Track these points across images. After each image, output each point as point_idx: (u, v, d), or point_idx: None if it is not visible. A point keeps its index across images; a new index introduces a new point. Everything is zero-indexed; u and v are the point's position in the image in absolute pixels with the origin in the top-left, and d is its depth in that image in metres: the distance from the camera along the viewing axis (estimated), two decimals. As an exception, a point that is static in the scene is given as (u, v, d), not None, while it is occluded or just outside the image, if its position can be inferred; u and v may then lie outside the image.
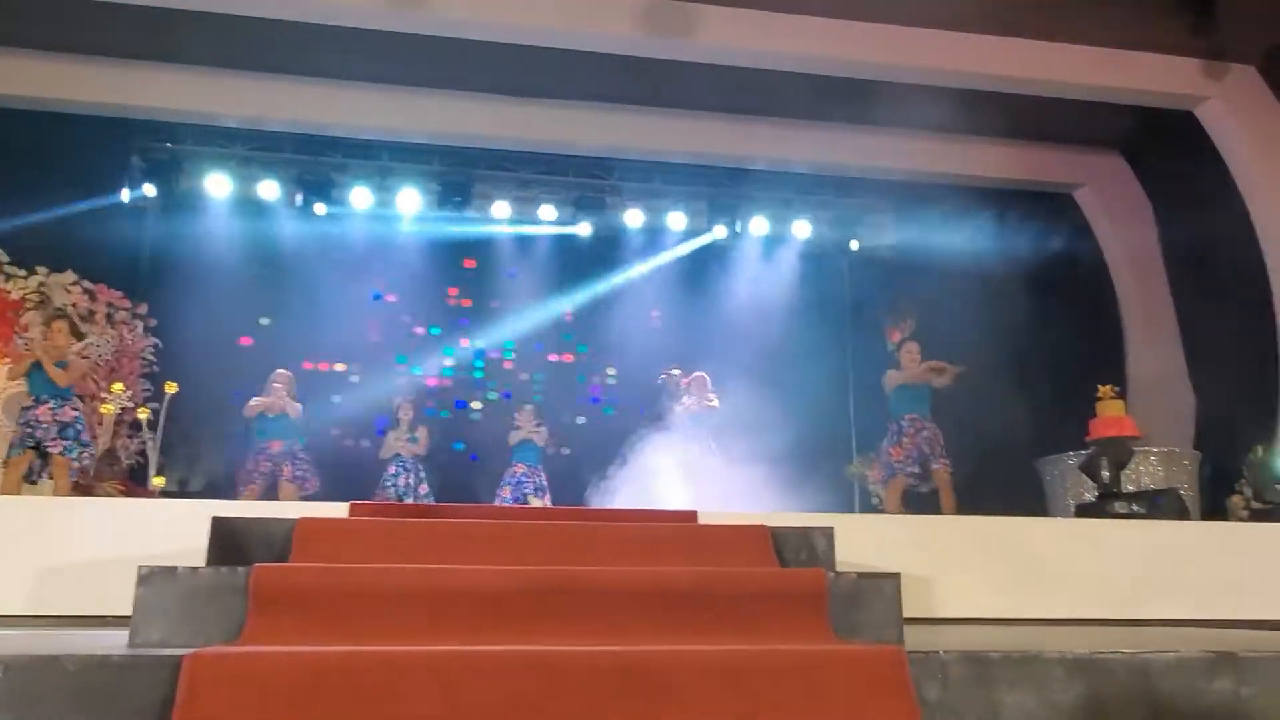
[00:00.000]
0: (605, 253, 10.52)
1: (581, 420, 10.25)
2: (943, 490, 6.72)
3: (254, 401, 7.40)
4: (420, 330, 10.27)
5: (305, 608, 2.74)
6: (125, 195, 9.30)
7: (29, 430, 5.85)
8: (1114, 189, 9.85)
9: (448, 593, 2.84)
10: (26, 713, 2.06)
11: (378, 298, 10.12)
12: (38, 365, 6.02)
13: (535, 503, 7.89)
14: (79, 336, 6.67)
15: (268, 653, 2.32)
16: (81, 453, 5.97)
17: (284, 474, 7.10)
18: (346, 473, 8.49)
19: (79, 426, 5.99)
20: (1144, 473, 7.79)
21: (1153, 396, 9.12)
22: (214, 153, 9.48)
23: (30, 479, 6.01)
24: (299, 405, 7.48)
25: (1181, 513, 5.64)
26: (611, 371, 10.48)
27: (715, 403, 7.89)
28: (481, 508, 5.75)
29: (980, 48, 7.78)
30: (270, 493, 7.10)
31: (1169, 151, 8.90)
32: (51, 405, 5.92)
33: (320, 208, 9.66)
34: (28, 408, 5.93)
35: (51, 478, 5.96)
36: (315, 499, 7.09)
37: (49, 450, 5.84)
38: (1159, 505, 5.61)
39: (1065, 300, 9.54)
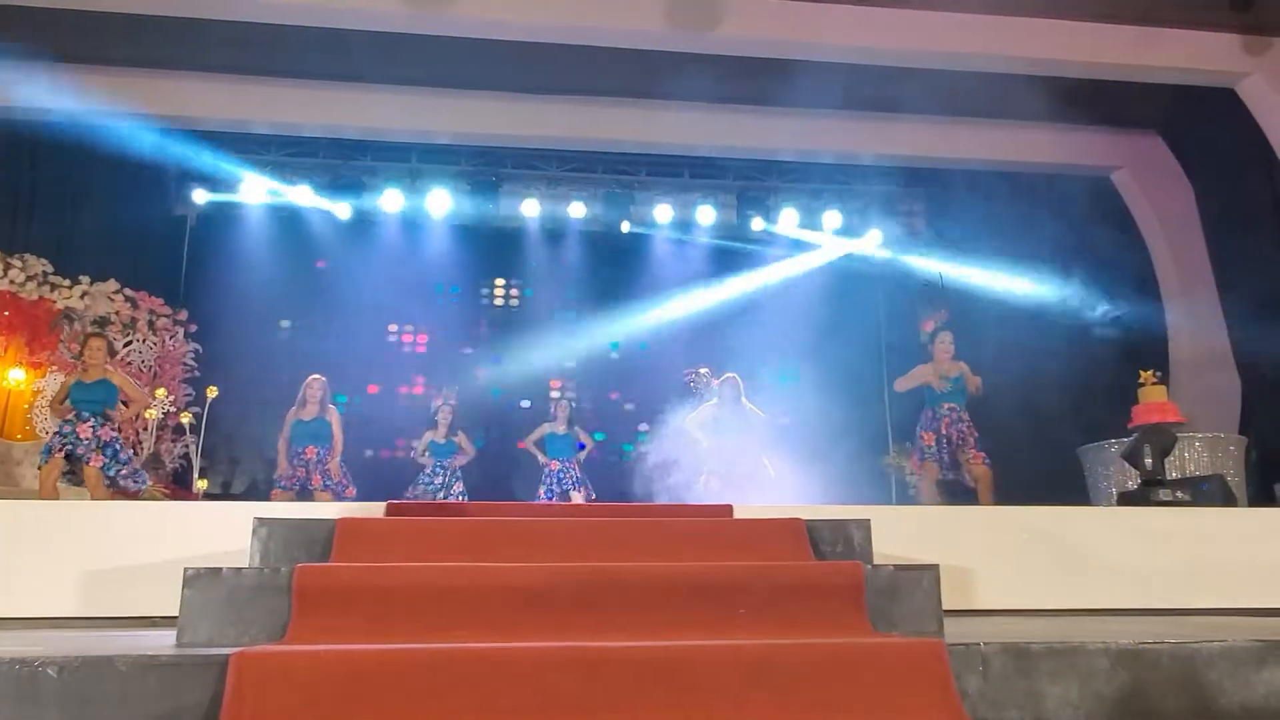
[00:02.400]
0: (635, 248, 10.53)
1: (614, 418, 10.28)
2: (982, 486, 6.64)
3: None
4: (456, 330, 10.36)
5: (347, 606, 2.78)
6: (164, 204, 9.47)
7: (65, 442, 5.97)
8: (1152, 170, 9.66)
9: (487, 590, 2.87)
10: (80, 712, 2.11)
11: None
12: (78, 385, 6.16)
13: (576, 496, 7.89)
14: (113, 353, 6.78)
15: (312, 651, 2.36)
16: (119, 470, 6.10)
17: (314, 482, 7.12)
18: (380, 471, 8.60)
19: (117, 445, 6.13)
20: (1188, 459, 7.64)
21: (1197, 381, 8.95)
22: (248, 159, 9.63)
23: (66, 479, 6.15)
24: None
25: (1227, 499, 5.53)
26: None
27: (751, 407, 7.72)
28: (517, 505, 5.80)
29: (1011, 29, 7.66)
30: (304, 498, 7.13)
31: (1209, 130, 8.71)
32: (93, 424, 6.05)
33: (351, 210, 9.78)
34: (68, 421, 6.05)
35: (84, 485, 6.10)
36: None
37: (87, 464, 5.97)
38: (1204, 492, 5.51)
39: (1104, 284, 9.38)
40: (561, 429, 8.23)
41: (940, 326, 7.17)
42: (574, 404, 8.77)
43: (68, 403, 6.11)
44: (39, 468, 6.02)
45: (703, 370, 8.37)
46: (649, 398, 9.98)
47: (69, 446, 5.95)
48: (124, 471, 6.13)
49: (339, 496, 7.14)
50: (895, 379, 7.34)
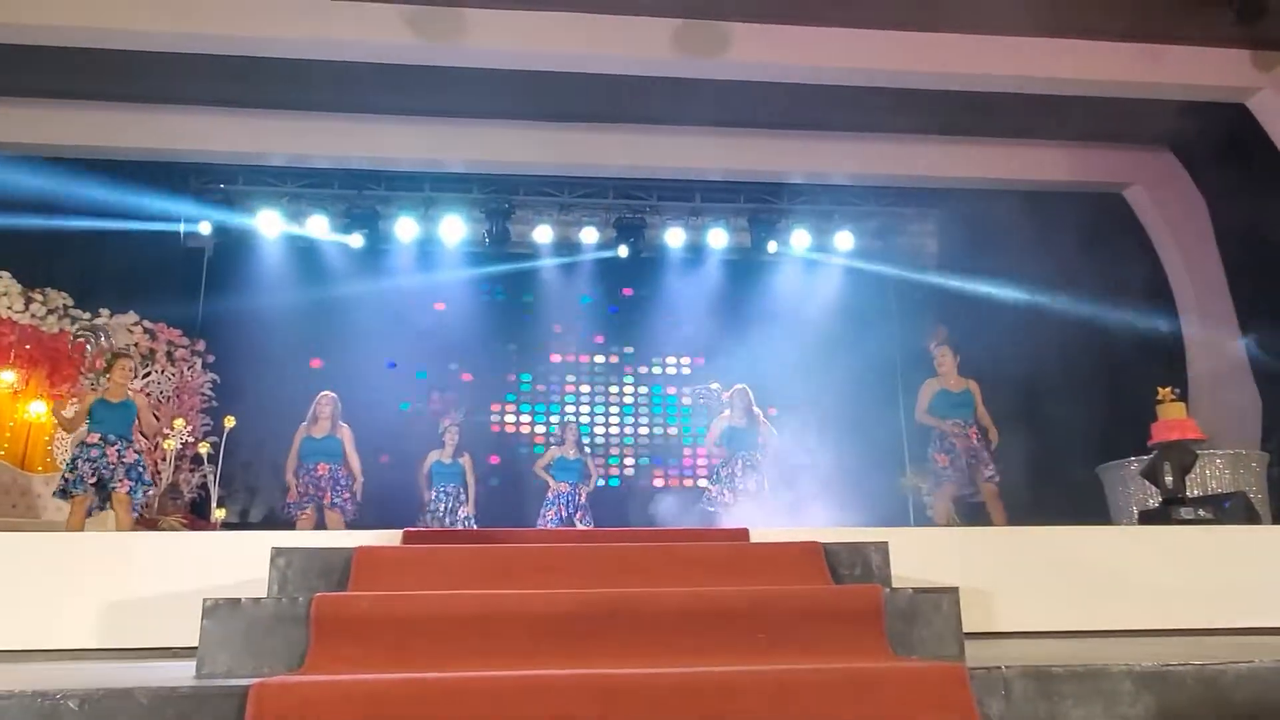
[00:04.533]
0: (647, 273, 10.57)
1: (632, 439, 10.28)
2: (991, 505, 6.60)
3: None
4: (468, 356, 10.41)
5: (366, 636, 2.78)
6: (181, 236, 9.60)
7: (92, 469, 6.02)
8: (1165, 186, 9.64)
9: (505, 618, 2.86)
10: (101, 745, 2.12)
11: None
12: (102, 404, 6.21)
13: (579, 523, 7.85)
14: (135, 374, 6.85)
15: (331, 681, 2.36)
16: (146, 491, 6.16)
17: (325, 499, 7.16)
18: (391, 496, 8.63)
19: (141, 467, 6.19)
20: (1209, 476, 7.56)
21: (1215, 397, 8.87)
22: (264, 191, 9.75)
23: (89, 513, 6.19)
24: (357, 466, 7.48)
25: (1250, 517, 5.46)
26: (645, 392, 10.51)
27: (762, 417, 7.70)
28: (534, 532, 5.80)
29: (1021, 49, 7.70)
30: (320, 516, 7.19)
31: (1221, 145, 8.70)
32: (118, 448, 6.11)
33: (365, 239, 9.86)
34: (92, 446, 6.09)
35: (111, 509, 6.15)
36: (360, 523, 7.19)
37: (115, 489, 6.02)
38: (1226, 509, 5.44)
39: (1119, 302, 9.33)
40: (571, 453, 8.22)
41: (940, 342, 7.16)
42: (583, 428, 8.73)
43: (87, 423, 6.15)
44: (72, 496, 6.03)
45: (713, 385, 8.35)
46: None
47: (100, 472, 6.00)
48: (148, 493, 6.20)
49: (347, 514, 7.18)
50: (910, 399, 7.33)
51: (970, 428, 6.79)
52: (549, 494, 8.10)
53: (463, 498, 7.98)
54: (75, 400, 8.07)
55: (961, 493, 6.77)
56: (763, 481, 7.28)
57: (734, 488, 7.20)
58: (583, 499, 8.06)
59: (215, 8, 7.16)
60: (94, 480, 6.01)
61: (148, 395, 8.28)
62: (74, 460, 6.12)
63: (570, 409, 10.32)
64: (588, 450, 8.38)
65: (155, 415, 7.76)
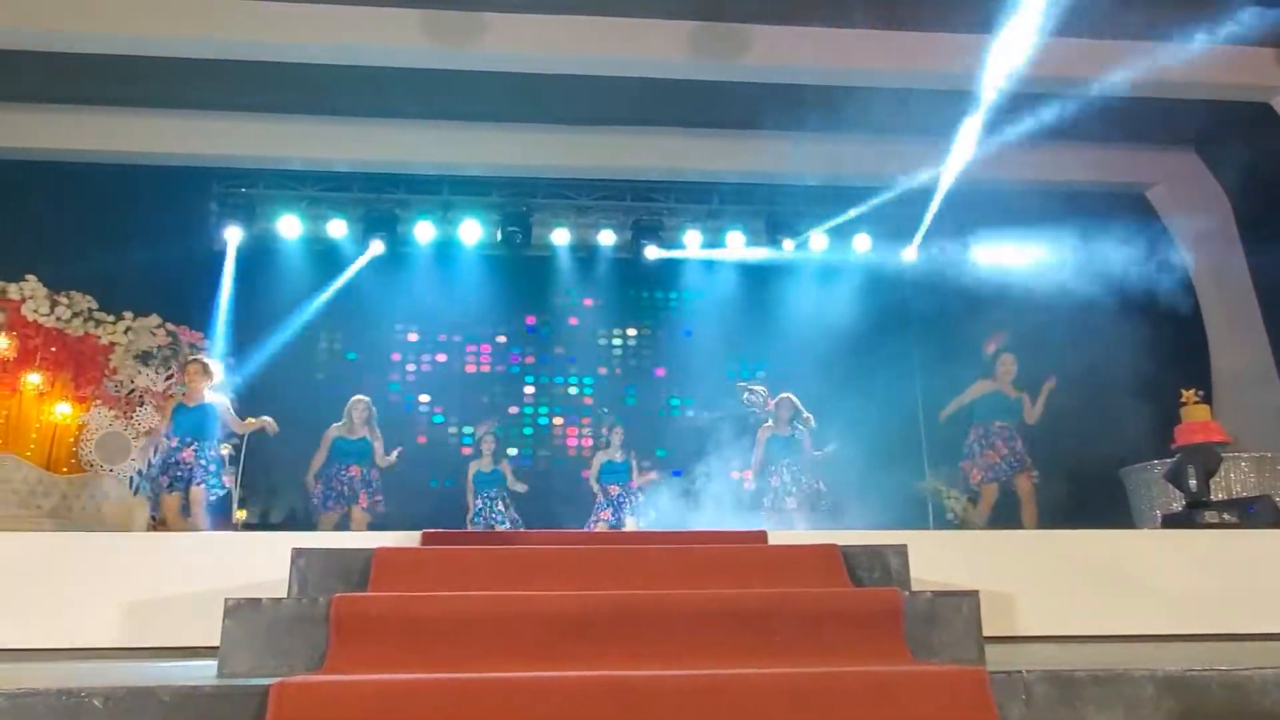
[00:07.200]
0: (666, 275, 10.57)
1: (659, 442, 10.29)
2: (1026, 501, 6.57)
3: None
4: (492, 363, 10.46)
5: (385, 636, 2.80)
6: (204, 240, 9.69)
7: (177, 473, 6.30)
8: (1188, 186, 9.55)
9: (523, 619, 2.87)
10: (125, 743, 2.14)
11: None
12: (180, 408, 6.49)
13: (630, 522, 7.78)
14: (210, 376, 6.98)
15: (351, 681, 2.38)
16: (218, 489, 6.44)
17: (360, 502, 7.19)
18: (423, 501, 8.66)
19: (218, 465, 6.47)
20: (1234, 479, 7.47)
21: (1241, 399, 8.76)
22: (285, 195, 9.82)
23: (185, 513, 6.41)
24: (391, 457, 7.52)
25: (1276, 520, 5.39)
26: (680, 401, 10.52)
27: (811, 422, 7.51)
28: (552, 533, 5.78)
29: (1044, 50, 7.64)
30: (345, 517, 7.21)
31: (1245, 144, 8.60)
32: (195, 448, 6.36)
33: (385, 242, 9.91)
34: (175, 449, 6.35)
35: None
36: (389, 521, 7.21)
37: (195, 487, 6.29)
38: (1251, 513, 5.37)
39: (1142, 303, 9.23)
40: (617, 456, 8.18)
41: (1001, 348, 7.18)
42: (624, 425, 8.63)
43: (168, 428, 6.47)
44: (158, 496, 6.34)
45: (757, 387, 8.26)
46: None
47: (183, 477, 6.27)
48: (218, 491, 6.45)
49: (374, 511, 7.21)
50: (927, 399, 7.30)
51: (1016, 430, 6.82)
52: (599, 498, 8.05)
53: (507, 501, 8.01)
54: (99, 403, 8.17)
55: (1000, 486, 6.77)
56: (803, 496, 7.20)
57: (781, 499, 7.14)
58: (638, 500, 7.95)
59: (238, 15, 7.24)
60: (183, 486, 6.29)
61: (170, 397, 8.35)
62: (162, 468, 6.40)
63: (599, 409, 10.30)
64: (632, 453, 8.31)
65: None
